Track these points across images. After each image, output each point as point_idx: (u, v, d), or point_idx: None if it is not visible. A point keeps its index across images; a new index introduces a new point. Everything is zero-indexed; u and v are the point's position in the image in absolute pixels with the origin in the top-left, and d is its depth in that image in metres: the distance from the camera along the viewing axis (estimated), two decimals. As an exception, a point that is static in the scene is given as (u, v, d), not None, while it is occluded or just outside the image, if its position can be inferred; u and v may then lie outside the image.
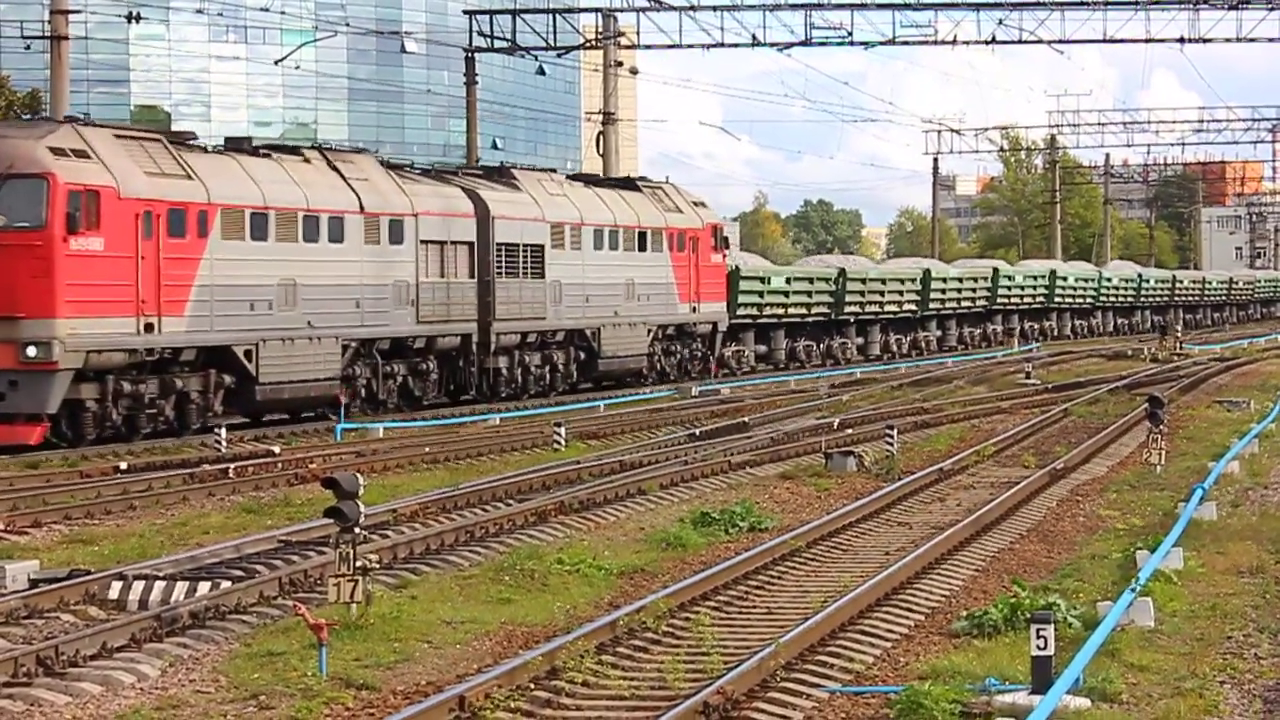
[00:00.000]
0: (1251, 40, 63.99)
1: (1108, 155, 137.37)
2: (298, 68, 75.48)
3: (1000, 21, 64.21)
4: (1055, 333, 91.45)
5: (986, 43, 65.28)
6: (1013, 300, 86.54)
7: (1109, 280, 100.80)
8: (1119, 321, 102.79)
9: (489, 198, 46.19)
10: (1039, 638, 13.41)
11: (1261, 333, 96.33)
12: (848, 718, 13.81)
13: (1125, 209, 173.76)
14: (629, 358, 51.90)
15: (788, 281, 64.78)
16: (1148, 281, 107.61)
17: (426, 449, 33.20)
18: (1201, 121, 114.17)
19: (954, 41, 65.15)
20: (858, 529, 23.51)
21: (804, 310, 65.97)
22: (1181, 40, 64.20)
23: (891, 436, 32.06)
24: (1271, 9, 63.18)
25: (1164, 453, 29.72)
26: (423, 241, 43.16)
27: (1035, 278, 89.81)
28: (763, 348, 63.87)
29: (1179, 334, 79.30)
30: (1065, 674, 13.40)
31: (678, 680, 14.55)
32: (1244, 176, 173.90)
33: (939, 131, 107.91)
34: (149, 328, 35.23)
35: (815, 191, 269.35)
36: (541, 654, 14.94)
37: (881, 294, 71.95)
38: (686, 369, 55.60)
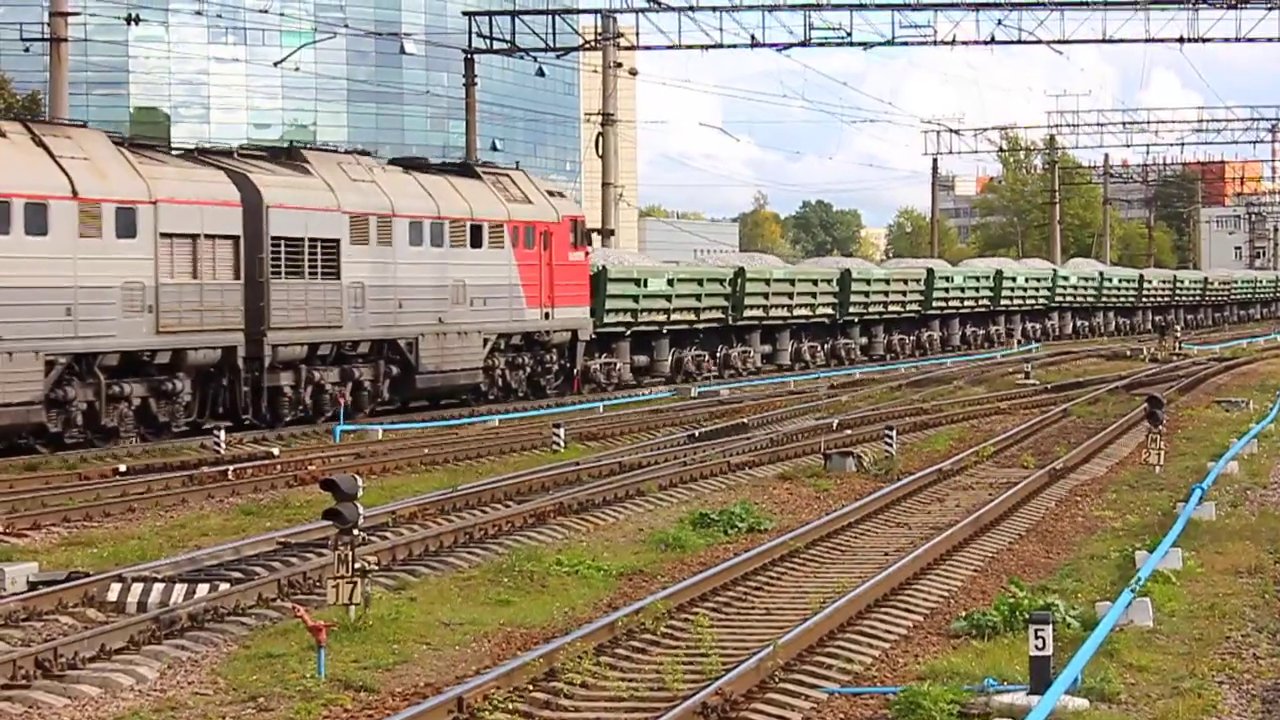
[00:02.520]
0: (1251, 40, 63.97)
1: (1107, 155, 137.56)
2: (297, 69, 75.44)
3: (999, 22, 64.25)
4: (1003, 336, 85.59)
5: (986, 43, 65.28)
6: (951, 303, 79.36)
7: (1065, 279, 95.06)
8: (1078, 323, 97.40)
9: (264, 183, 38.64)
10: (1037, 638, 13.42)
11: (1260, 333, 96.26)
12: (846, 718, 13.82)
13: (1125, 209, 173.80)
14: (458, 372, 44.43)
15: (670, 283, 55.92)
16: (1109, 281, 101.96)
17: (425, 450, 33.20)
18: (1201, 121, 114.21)
19: (953, 42, 65.14)
20: (857, 530, 23.51)
21: (692, 316, 57.76)
22: (1181, 40, 64.21)
23: (890, 437, 32.07)
24: (1271, 8, 63.15)
25: (1163, 453, 29.73)
26: (165, 235, 35.61)
27: (977, 279, 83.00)
28: (643, 358, 55.47)
29: (1178, 334, 79.29)
30: (1064, 674, 13.39)
31: (676, 681, 14.55)
32: (1243, 176, 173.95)
33: (938, 132, 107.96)
34: None
35: (815, 192, 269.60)
36: (540, 655, 14.94)
37: (790, 295, 64.42)
38: (539, 384, 48.52)
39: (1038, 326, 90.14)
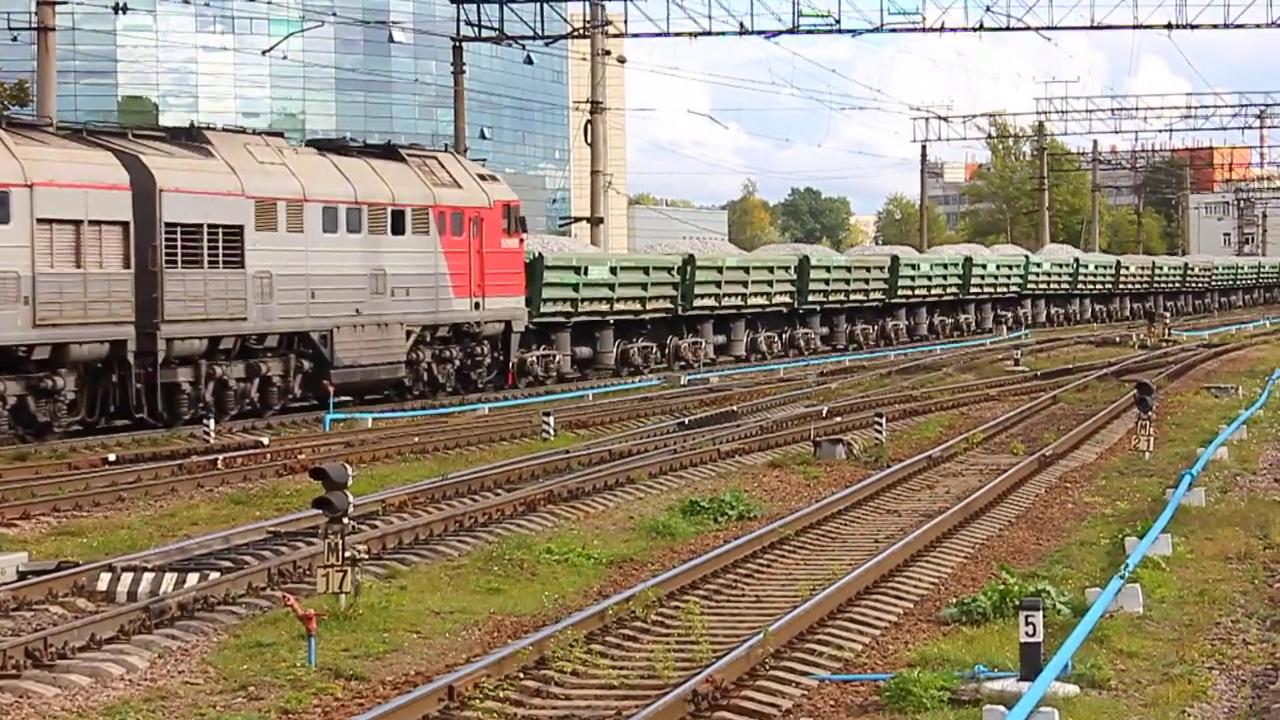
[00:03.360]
0: (1239, 26, 64.07)
1: (1095, 142, 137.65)
2: (285, 58, 75.32)
3: (988, 8, 64.31)
4: (973, 325, 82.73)
5: (974, 29, 65.36)
6: (918, 291, 76.36)
7: (1038, 266, 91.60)
8: (1053, 310, 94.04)
9: (158, 165, 36.09)
10: (1028, 624, 13.42)
11: (1249, 319, 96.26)
12: (837, 705, 13.82)
13: (1113, 195, 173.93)
14: (378, 366, 41.97)
15: (613, 271, 53.66)
16: (1085, 268, 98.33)
17: (415, 439, 33.20)
18: (1189, 108, 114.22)
19: (941, 28, 65.18)
20: (847, 517, 23.52)
21: (638, 305, 55.27)
22: (1169, 26, 64.28)
23: (880, 424, 32.09)
24: (1258, -6, 63.20)
25: (1152, 439, 29.74)
26: (43, 220, 33.30)
27: (945, 266, 79.73)
28: (585, 350, 53.20)
29: (1167, 321, 79.36)
30: (1054, 661, 13.40)
31: (667, 669, 14.56)
32: (1232, 163, 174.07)
33: (927, 119, 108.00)
34: None
35: (804, 179, 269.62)
36: (530, 643, 14.94)
37: (745, 284, 61.62)
38: (469, 378, 46.02)
39: (1009, 315, 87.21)
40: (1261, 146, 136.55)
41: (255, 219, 38.06)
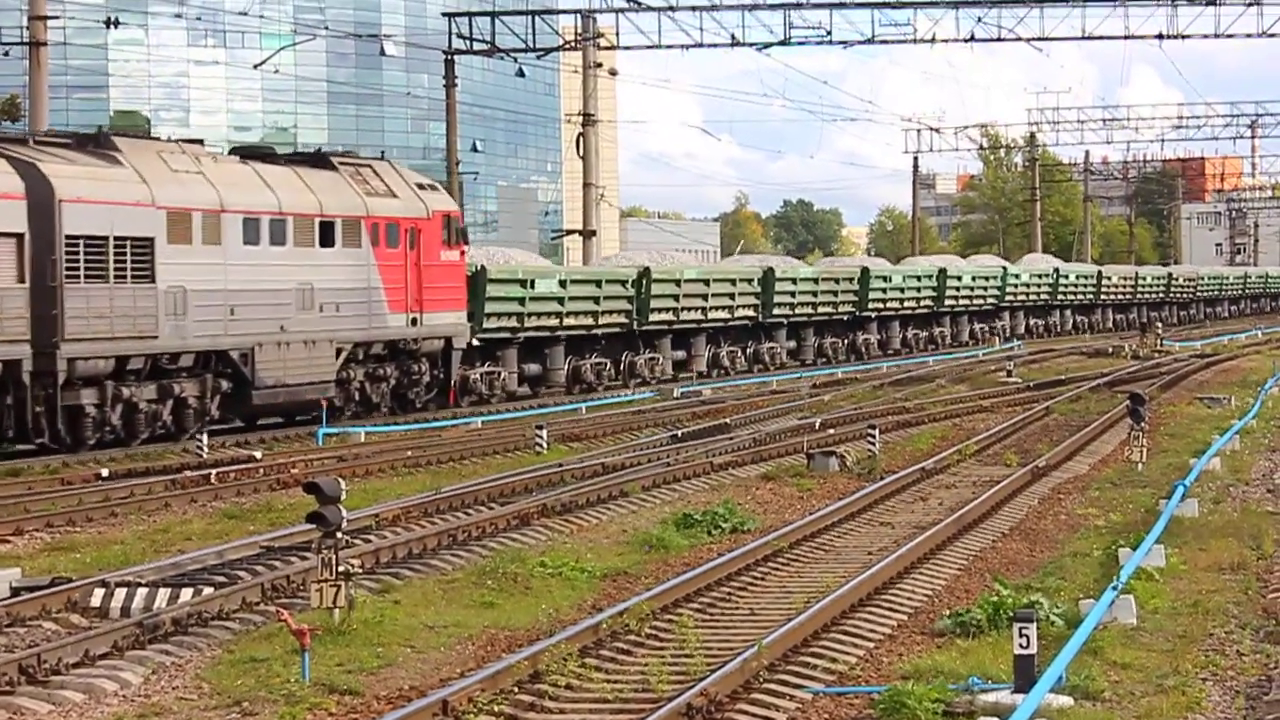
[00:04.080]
0: (1230, 36, 64.12)
1: (1087, 152, 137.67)
2: (277, 71, 75.27)
3: (979, 19, 64.34)
4: (951, 338, 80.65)
5: (965, 41, 65.37)
6: (890, 304, 73.91)
7: (1016, 277, 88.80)
8: (1032, 322, 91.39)
9: (56, 174, 33.96)
10: (1021, 636, 13.43)
11: (1241, 329, 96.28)
12: (831, 718, 13.82)
13: (1106, 206, 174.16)
14: (304, 386, 39.33)
15: (562, 284, 51.17)
16: (1065, 278, 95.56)
17: (408, 453, 33.18)
18: (1181, 118, 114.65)
19: (933, 40, 65.27)
20: (840, 529, 23.52)
21: (590, 320, 52.84)
22: (1160, 36, 64.33)
23: (873, 436, 32.09)
24: (1249, 4, 63.29)
25: (1145, 450, 29.77)
26: None
27: (919, 278, 77.43)
28: (534, 367, 50.65)
29: (1160, 331, 79.41)
30: (1048, 673, 13.41)
31: (661, 682, 14.55)
32: (1223, 173, 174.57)
33: (919, 130, 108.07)
34: None
35: (796, 191, 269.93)
36: (525, 657, 14.93)
37: (705, 297, 59.33)
38: (406, 397, 43.72)
39: (986, 328, 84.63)
40: (1253, 156, 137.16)
41: (168, 231, 35.81)
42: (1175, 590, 18.45)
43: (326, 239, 40.27)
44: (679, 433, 36.76)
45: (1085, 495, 26.98)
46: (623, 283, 54.46)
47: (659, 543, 22.50)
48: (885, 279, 73.72)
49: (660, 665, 15.13)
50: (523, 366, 49.88)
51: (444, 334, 44.45)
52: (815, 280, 67.94)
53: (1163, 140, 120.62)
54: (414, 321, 43.12)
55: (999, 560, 21.22)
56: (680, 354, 58.49)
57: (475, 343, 46.61)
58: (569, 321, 51.61)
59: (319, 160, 42.57)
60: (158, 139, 39.90)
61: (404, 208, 43.10)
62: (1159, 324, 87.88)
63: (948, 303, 79.39)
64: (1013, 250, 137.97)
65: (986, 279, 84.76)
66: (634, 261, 59.08)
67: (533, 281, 49.79)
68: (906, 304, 75.68)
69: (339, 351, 40.57)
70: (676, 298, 57.22)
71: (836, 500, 25.91)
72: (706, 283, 59.52)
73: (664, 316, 56.70)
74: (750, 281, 62.64)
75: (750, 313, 62.51)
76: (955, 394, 48.04)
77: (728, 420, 39.51)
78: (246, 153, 41.53)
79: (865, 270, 72.15)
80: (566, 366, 51.81)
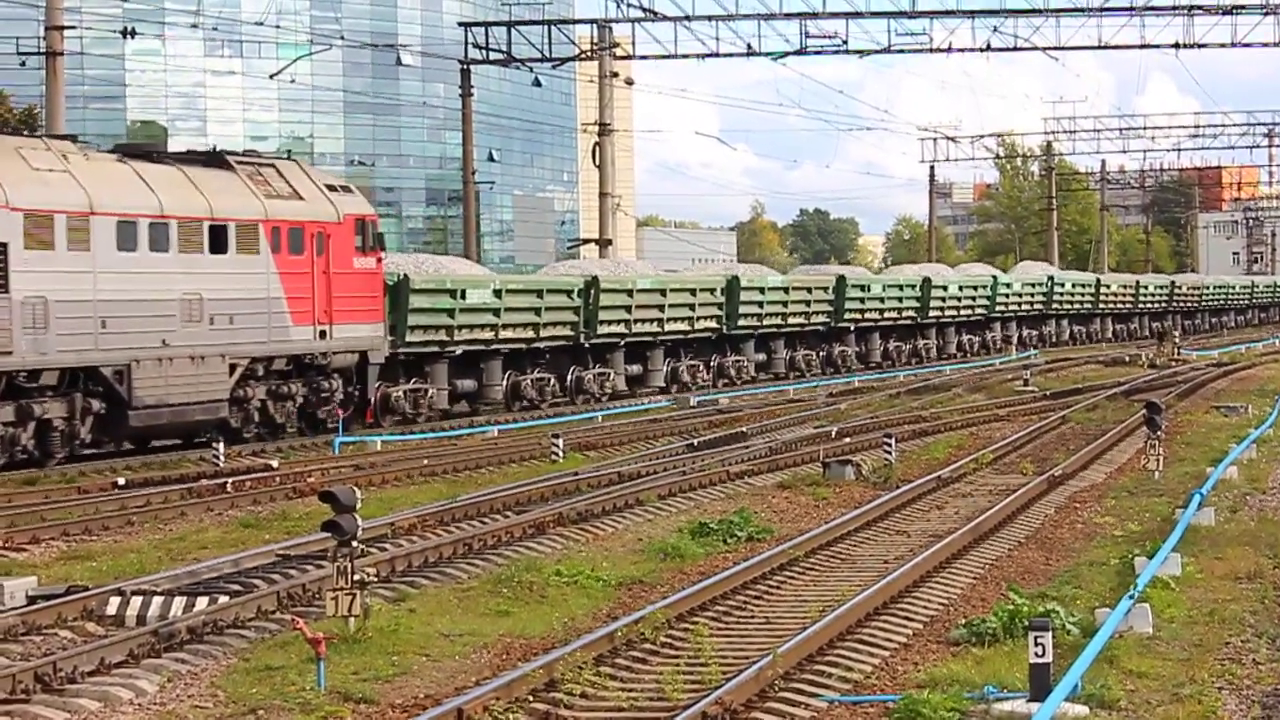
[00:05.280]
0: (1246, 45, 64.24)
1: (1104, 161, 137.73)
2: (293, 81, 75.63)
3: (995, 29, 64.52)
4: (935, 351, 76.85)
5: (981, 50, 65.58)
6: (869, 315, 70.18)
7: (1007, 286, 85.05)
8: (1025, 333, 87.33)
9: None
10: (1037, 645, 13.41)
11: (1258, 338, 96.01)
12: (846, 727, 13.81)
13: (1122, 215, 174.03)
14: (191, 406, 35.75)
15: (497, 294, 47.24)
16: (1061, 286, 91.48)
17: (424, 461, 33.20)
18: (1198, 127, 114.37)
19: (949, 49, 65.44)
20: (856, 538, 23.50)
21: (530, 333, 48.87)
22: (1176, 46, 64.44)
23: (889, 445, 32.07)
24: (1266, 13, 63.32)
25: (1162, 459, 29.72)
26: None
27: (900, 287, 74.11)
28: (468, 383, 46.76)
29: (1176, 340, 79.28)
30: (1063, 681, 13.40)
31: (676, 691, 14.55)
32: (1240, 181, 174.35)
33: (935, 139, 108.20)
34: None
35: (812, 200, 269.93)
36: (540, 666, 14.94)
37: (662, 308, 55.53)
38: (314, 417, 39.79)
39: (976, 340, 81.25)
40: (1270, 165, 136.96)
41: (25, 235, 32.50)
42: (1192, 599, 18.42)
43: (218, 244, 36.61)
44: (695, 441, 36.75)
45: (1101, 504, 26.94)
46: (568, 292, 50.68)
47: (674, 551, 22.49)
48: (863, 288, 70.40)
49: (675, 674, 15.12)
50: (456, 382, 46.03)
51: (358, 348, 40.67)
52: (785, 290, 64.13)
53: (1179, 149, 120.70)
54: (323, 334, 39.39)
55: (1015, 569, 21.19)
56: (635, 368, 54.86)
57: (401, 357, 43.54)
58: (506, 334, 47.72)
59: (213, 159, 38.85)
60: (20, 134, 37.19)
61: (310, 210, 39.36)
62: (1175, 333, 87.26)
63: (932, 313, 75.81)
64: (1029, 259, 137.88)
65: (975, 288, 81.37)
66: (584, 271, 55.18)
67: (463, 291, 45.82)
68: (887, 314, 72.15)
69: (233, 368, 36.86)
70: (629, 308, 53.50)
71: (852, 509, 25.88)
72: (663, 292, 55.99)
73: (615, 329, 52.87)
74: (712, 291, 58.99)
75: (713, 324, 58.84)
76: (971, 403, 48.00)
77: (744, 429, 39.50)
78: (129, 150, 37.91)
79: (841, 279, 68.84)
80: (505, 382, 48.03)
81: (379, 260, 41.54)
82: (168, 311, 35.27)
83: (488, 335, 46.84)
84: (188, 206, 36.03)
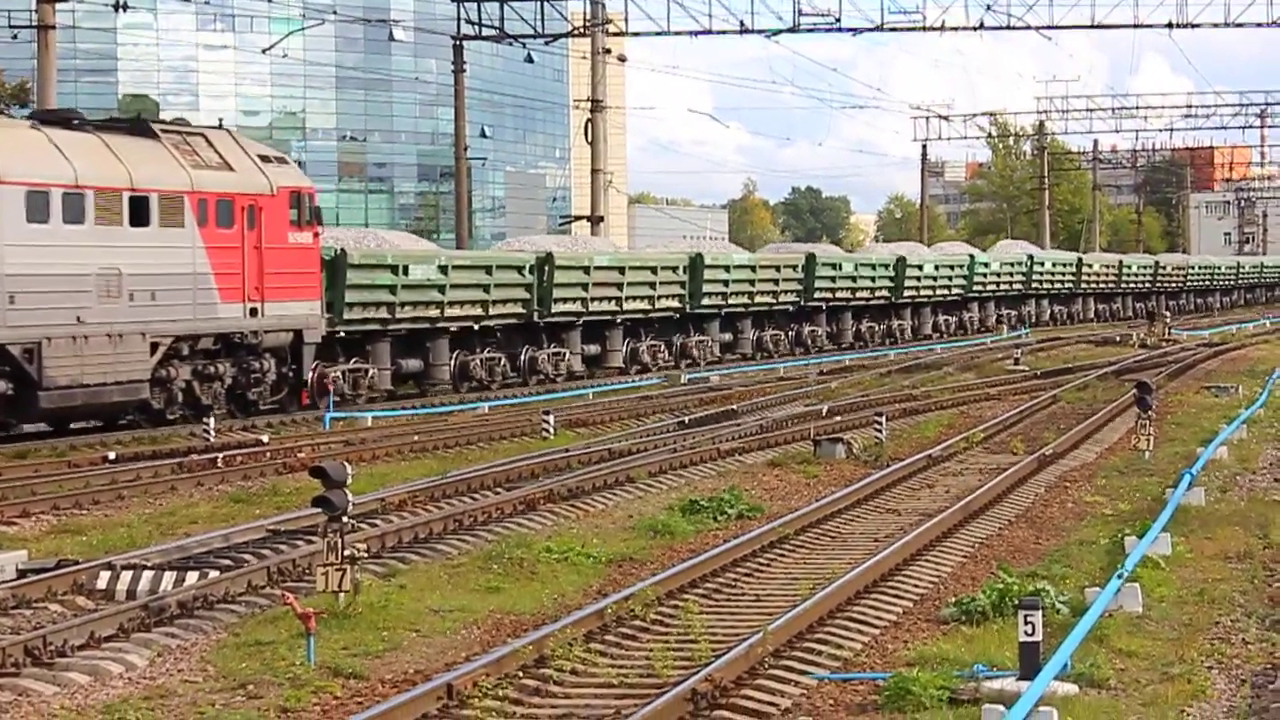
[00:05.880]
0: (1240, 25, 64.17)
1: (1096, 141, 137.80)
2: (285, 56, 75.23)
3: (988, 7, 64.41)
4: (910, 332, 75.46)
5: (975, 28, 65.49)
6: (840, 294, 68.88)
7: (985, 266, 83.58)
8: (1004, 312, 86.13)
9: None
10: (1027, 624, 13.41)
11: (1249, 318, 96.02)
12: (836, 704, 13.82)
13: (1114, 195, 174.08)
14: (109, 387, 33.82)
15: (443, 271, 45.37)
16: (1040, 266, 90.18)
17: (415, 437, 33.19)
18: (1190, 107, 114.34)
19: (942, 27, 65.29)
20: (846, 516, 23.51)
21: (479, 311, 47.23)
22: (1170, 25, 64.38)
23: (880, 423, 32.09)
24: (1259, -6, 63.29)
25: (1152, 438, 29.73)
26: None
27: (873, 266, 72.48)
28: (414, 363, 44.94)
29: (1168, 320, 79.32)
30: (1053, 660, 13.40)
31: (666, 668, 14.56)
32: (1232, 162, 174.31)
33: (928, 118, 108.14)
34: None
35: (805, 178, 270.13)
36: (530, 642, 14.94)
37: (620, 286, 54.05)
38: (244, 398, 38.09)
39: (952, 320, 79.92)
40: (1262, 146, 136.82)
41: None
42: (1181, 579, 18.44)
43: (139, 217, 34.61)
44: (686, 419, 36.75)
45: (1092, 483, 26.96)
46: (519, 269, 48.86)
47: (665, 528, 22.50)
48: (834, 266, 68.74)
49: (665, 651, 15.14)
50: (400, 362, 44.38)
51: (292, 326, 38.70)
52: (752, 268, 62.34)
53: (1171, 129, 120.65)
54: (254, 312, 37.42)
55: (1005, 548, 21.22)
56: (593, 348, 53.23)
57: (341, 334, 41.79)
58: (453, 312, 45.82)
59: (137, 127, 36.79)
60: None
61: (241, 182, 37.26)
62: (1166, 313, 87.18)
63: (907, 293, 74.32)
64: (1021, 238, 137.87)
65: (951, 268, 79.67)
66: (538, 247, 53.00)
67: (406, 267, 43.96)
68: (860, 294, 70.68)
69: (155, 347, 34.84)
70: (585, 286, 51.82)
71: (843, 487, 25.90)
72: (621, 270, 54.06)
73: (571, 307, 51.34)
74: (674, 269, 57.16)
75: (675, 303, 57.27)
76: (962, 381, 48.02)
77: (735, 407, 39.51)
78: (44, 118, 36.02)
79: (811, 257, 67.01)
80: (452, 362, 46.15)
81: (316, 235, 39.77)
82: (83, 287, 33.36)
83: (433, 313, 45.27)
84: (106, 176, 34.11)
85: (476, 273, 47.16)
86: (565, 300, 50.91)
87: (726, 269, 60.25)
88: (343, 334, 41.87)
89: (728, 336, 61.50)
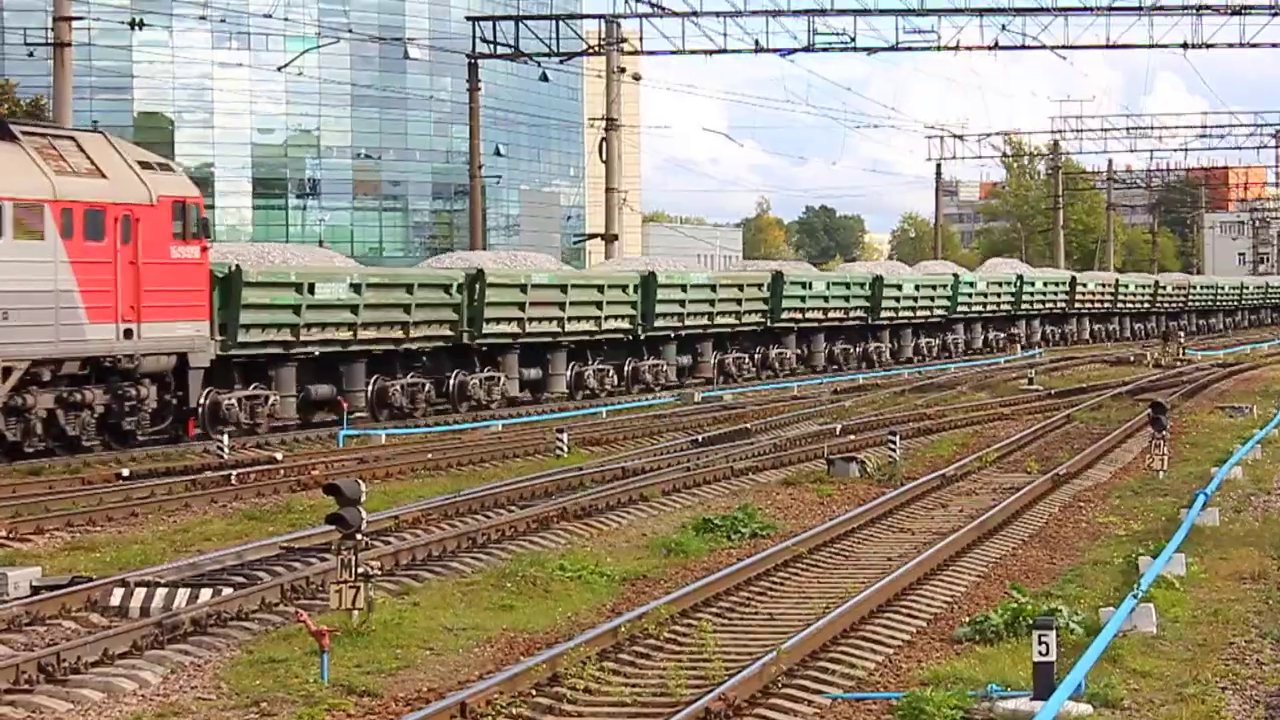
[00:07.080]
0: (1254, 45, 64.26)
1: (1110, 161, 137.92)
2: (301, 74, 75.43)
3: (1003, 27, 64.46)
4: (888, 355, 71.54)
5: (989, 48, 65.53)
6: (810, 314, 64.53)
7: (970, 285, 79.75)
8: (991, 334, 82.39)
9: None
10: (1041, 644, 13.41)
11: (1264, 338, 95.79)
12: (849, 724, 13.81)
13: (1128, 215, 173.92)
14: None
15: (355, 289, 41.59)
16: (1031, 286, 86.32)
17: (429, 455, 33.20)
18: (1205, 127, 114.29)
19: (957, 47, 65.35)
20: (860, 535, 23.50)
21: (399, 333, 43.28)
22: (1185, 45, 64.41)
23: (894, 442, 32.07)
24: (1274, 14, 63.29)
25: (1166, 458, 29.69)
26: None
27: (847, 285, 68.57)
28: (324, 389, 40.77)
29: (1181, 340, 79.19)
30: (1067, 680, 13.39)
31: (679, 686, 14.55)
32: (1247, 182, 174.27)
33: (942, 137, 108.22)
34: None
35: (819, 197, 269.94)
36: (543, 660, 14.94)
37: (562, 306, 49.98)
38: (119, 428, 34.40)
39: (935, 342, 76.00)
40: (1276, 166, 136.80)
41: None
42: (1196, 599, 18.41)
43: None
44: (699, 437, 36.74)
45: (1106, 503, 26.93)
46: (445, 287, 45.00)
47: (678, 547, 22.49)
48: (803, 285, 64.48)
49: (679, 669, 15.13)
50: (309, 389, 40.35)
51: (175, 349, 35.05)
52: (712, 288, 58.08)
53: (1186, 149, 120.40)
54: (129, 334, 33.76)
55: (1019, 567, 21.19)
56: (533, 372, 49.11)
57: (236, 359, 38.31)
58: (367, 335, 42.03)
59: None
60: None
61: (114, 191, 33.64)
62: (1180, 333, 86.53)
63: (885, 314, 70.10)
64: (1035, 258, 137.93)
65: (933, 288, 75.58)
66: (468, 263, 49.13)
67: (311, 285, 40.17)
68: (832, 315, 66.41)
69: (8, 372, 31.40)
70: (522, 305, 47.80)
71: (857, 506, 25.88)
72: (563, 289, 50.12)
73: (505, 329, 47.22)
74: (625, 289, 53.10)
75: (625, 324, 53.16)
76: (976, 401, 47.98)
77: (748, 425, 39.50)
78: None
79: (778, 275, 62.72)
80: (369, 389, 42.18)
81: (204, 249, 36.06)
82: None
83: (344, 335, 41.40)
84: None
85: (395, 291, 43.36)
86: (499, 321, 47.02)
87: (683, 289, 56.18)
88: (238, 358, 38.42)
89: (686, 360, 57.45)
